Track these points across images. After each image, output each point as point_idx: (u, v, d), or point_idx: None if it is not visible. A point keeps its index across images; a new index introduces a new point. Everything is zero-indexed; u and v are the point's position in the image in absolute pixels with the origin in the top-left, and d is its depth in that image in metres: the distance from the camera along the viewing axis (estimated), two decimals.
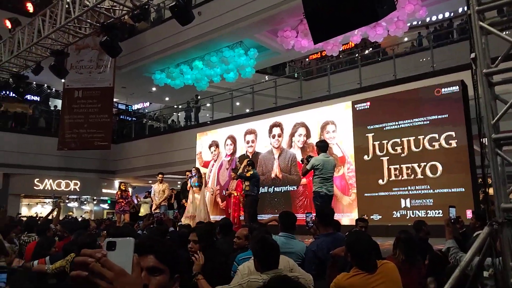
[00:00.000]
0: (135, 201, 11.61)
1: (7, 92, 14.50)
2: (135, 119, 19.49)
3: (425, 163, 8.15)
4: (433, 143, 8.15)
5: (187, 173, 9.09)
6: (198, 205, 8.57)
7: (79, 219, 12.51)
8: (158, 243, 1.36)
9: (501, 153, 2.55)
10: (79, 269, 0.84)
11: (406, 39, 16.95)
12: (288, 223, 4.02)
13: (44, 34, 8.16)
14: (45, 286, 3.82)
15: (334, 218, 4.08)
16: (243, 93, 14.46)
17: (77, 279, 0.83)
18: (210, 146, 12.54)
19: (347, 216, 8.82)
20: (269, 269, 2.57)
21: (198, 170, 8.96)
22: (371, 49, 17.88)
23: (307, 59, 21.74)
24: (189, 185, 9.01)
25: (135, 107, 24.42)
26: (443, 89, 8.21)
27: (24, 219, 10.86)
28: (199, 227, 4.38)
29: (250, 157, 10.97)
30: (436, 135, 8.11)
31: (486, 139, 2.69)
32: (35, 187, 16.35)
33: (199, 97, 16.45)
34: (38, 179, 16.32)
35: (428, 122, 8.30)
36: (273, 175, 10.67)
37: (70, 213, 17.15)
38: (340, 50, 14.06)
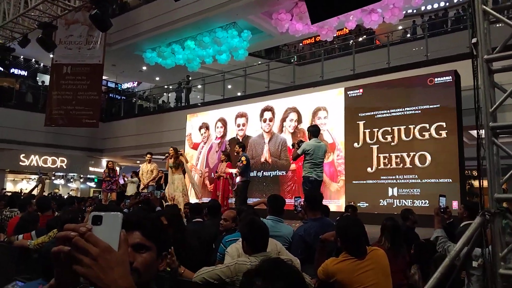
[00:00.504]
0: (121, 181, 11.48)
1: None
2: (124, 98, 19.19)
3: (414, 153, 8.16)
4: (424, 133, 8.15)
5: (166, 154, 8.92)
6: (177, 186, 8.43)
7: (65, 197, 12.37)
8: (145, 219, 1.29)
9: (497, 142, 2.51)
10: (61, 244, 0.76)
11: (400, 27, 16.87)
12: (276, 207, 3.99)
13: (31, 5, 7.89)
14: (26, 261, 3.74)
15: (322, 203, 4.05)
16: (235, 76, 14.29)
17: (59, 254, 0.76)
18: (200, 128, 12.43)
19: (334, 203, 8.84)
20: (257, 252, 2.53)
21: (174, 150, 8.70)
22: (365, 36, 17.78)
23: (300, 44, 21.59)
24: (166, 166, 8.87)
25: (125, 86, 24.07)
26: (436, 79, 8.18)
27: (9, 194, 10.69)
28: (167, 210, 4.32)
29: (241, 140, 10.90)
30: (427, 125, 8.11)
31: (482, 130, 2.65)
32: (20, 163, 16.09)
33: (190, 78, 16.23)
34: (24, 155, 16.05)
35: (419, 111, 8.28)
36: (262, 160, 10.64)
37: (56, 190, 16.97)
38: (334, 36, 13.96)
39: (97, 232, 0.76)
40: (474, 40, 2.68)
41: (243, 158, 7.82)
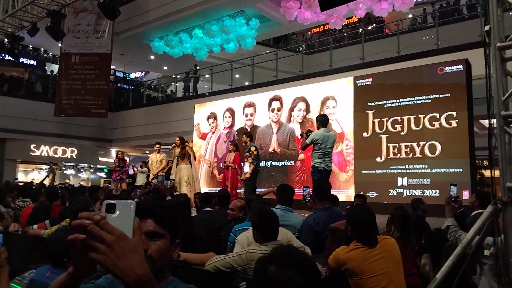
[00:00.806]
0: (131, 172, 11.56)
1: (2, 55, 14.20)
2: (132, 87, 19.26)
3: (424, 142, 8.11)
4: (434, 122, 8.08)
5: (173, 144, 8.94)
6: (182, 177, 8.44)
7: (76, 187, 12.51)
8: (158, 207, 1.30)
9: (510, 131, 2.49)
10: (76, 233, 0.77)
11: (410, 15, 16.63)
12: (285, 196, 4.01)
13: None
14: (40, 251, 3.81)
15: (332, 193, 4.06)
16: (243, 65, 14.24)
17: (75, 242, 0.77)
18: (208, 118, 12.44)
19: (343, 193, 8.84)
20: (268, 241, 2.56)
21: (181, 140, 8.71)
22: (374, 24, 17.57)
23: (309, 32, 21.39)
24: (173, 155, 8.90)
25: (133, 75, 24.12)
26: (446, 68, 8.09)
27: (21, 184, 10.85)
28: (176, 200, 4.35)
29: (249, 130, 10.90)
30: (437, 115, 8.04)
31: (494, 119, 2.62)
32: (31, 153, 16.26)
33: (198, 67, 16.21)
34: (34, 145, 16.22)
35: (429, 100, 8.21)
36: (271, 149, 10.64)
37: (67, 181, 17.14)
38: (343, 24, 13.81)
39: (111, 220, 0.77)
40: (487, 28, 2.64)
41: (252, 148, 7.82)
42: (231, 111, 11.88)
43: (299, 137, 7.56)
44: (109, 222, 0.77)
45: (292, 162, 10.15)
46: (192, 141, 9.79)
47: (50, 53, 21.10)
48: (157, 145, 10.22)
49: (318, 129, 6.35)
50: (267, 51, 16.55)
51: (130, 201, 0.83)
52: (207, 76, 15.95)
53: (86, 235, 0.76)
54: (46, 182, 10.79)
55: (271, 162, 10.55)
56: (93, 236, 0.75)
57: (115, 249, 0.75)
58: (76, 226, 0.77)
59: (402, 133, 8.42)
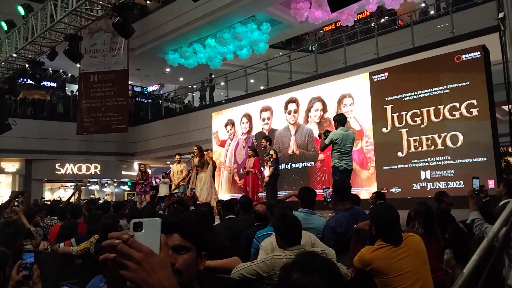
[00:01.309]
0: (154, 183, 11.75)
1: (25, 80, 14.69)
2: (150, 101, 19.57)
3: (445, 133, 7.97)
4: (454, 112, 7.94)
5: (191, 154, 9.06)
6: (201, 186, 8.52)
7: (100, 201, 12.79)
8: (183, 221, 1.34)
9: None
10: (107, 252, 0.82)
11: (423, 4, 16.35)
12: (307, 199, 4.01)
13: (56, 19, 8.13)
14: (71, 267, 3.92)
15: (353, 192, 4.04)
16: (257, 70, 14.30)
17: (106, 262, 0.82)
18: (226, 125, 12.54)
19: (365, 190, 8.76)
20: (292, 246, 2.57)
21: (199, 149, 8.82)
22: (387, 17, 17.36)
23: (321, 31, 21.29)
24: (192, 165, 9.01)
25: (150, 89, 24.51)
26: (463, 56, 7.93)
27: (48, 203, 11.15)
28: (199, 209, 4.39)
29: (267, 134, 10.93)
30: (457, 104, 7.90)
31: None
32: (56, 172, 16.73)
33: (213, 76, 16.37)
34: (59, 164, 16.68)
35: (448, 90, 8.07)
36: (290, 152, 10.64)
37: (92, 196, 17.55)
38: (355, 20, 13.71)
39: (139, 237, 0.81)
40: (501, 15, 2.61)
41: (271, 152, 7.85)
42: (248, 117, 11.94)
43: (318, 137, 7.55)
44: (137, 240, 0.81)
45: (312, 163, 10.12)
46: (211, 150, 9.87)
47: (69, 74, 21.67)
48: (177, 156, 10.38)
49: (336, 129, 6.33)
50: (280, 54, 16.58)
51: (156, 218, 0.87)
52: (222, 83, 16.08)
53: (116, 253, 0.80)
54: (73, 199, 11.06)
55: (291, 165, 10.55)
56: (123, 255, 0.79)
57: (144, 265, 0.79)
58: (107, 246, 0.81)
59: (422, 126, 8.30)
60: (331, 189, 3.89)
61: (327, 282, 1.11)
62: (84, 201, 9.67)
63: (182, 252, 1.27)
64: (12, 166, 16.27)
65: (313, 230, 3.55)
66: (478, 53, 7.76)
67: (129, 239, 0.80)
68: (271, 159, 7.79)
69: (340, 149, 6.06)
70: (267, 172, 7.88)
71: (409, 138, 8.43)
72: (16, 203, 7.89)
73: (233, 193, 11.40)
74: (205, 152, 8.96)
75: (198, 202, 6.99)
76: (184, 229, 1.31)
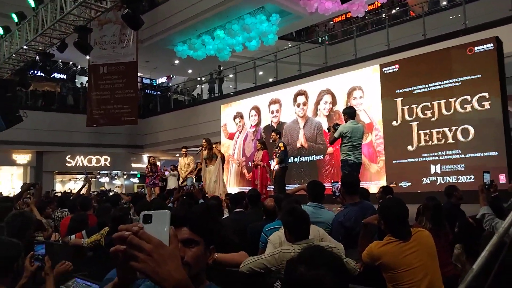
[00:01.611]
0: (166, 173, 11.84)
1: (35, 72, 14.82)
2: (159, 93, 19.62)
3: (456, 127, 7.89)
4: (465, 106, 7.86)
5: (200, 147, 9.09)
6: (210, 178, 8.54)
7: (110, 193, 12.93)
8: (192, 215, 1.36)
9: None
10: (117, 244, 0.84)
11: None
12: (316, 193, 4.02)
13: (66, 10, 8.18)
14: (82, 259, 3.98)
15: (362, 186, 4.03)
16: (266, 62, 14.26)
17: (117, 254, 0.84)
18: (234, 118, 12.55)
19: (375, 184, 8.72)
20: (300, 240, 2.58)
21: (207, 141, 8.82)
22: (398, 8, 17.15)
23: (331, 22, 21.11)
24: (201, 158, 9.03)
25: (159, 81, 24.56)
26: (476, 48, 7.82)
27: (59, 195, 11.29)
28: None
29: (275, 127, 10.92)
30: (469, 97, 7.81)
31: None
32: (67, 164, 16.92)
33: (221, 68, 16.35)
34: (69, 156, 16.86)
35: (460, 83, 7.97)
36: (298, 145, 10.63)
37: (102, 188, 17.74)
38: (366, 10, 13.56)
39: (149, 229, 0.83)
40: None
41: (280, 145, 7.87)
42: (256, 109, 11.93)
43: (327, 130, 7.52)
44: (147, 232, 0.83)
45: (321, 156, 10.10)
46: (219, 143, 9.89)
47: (79, 66, 21.81)
48: (183, 149, 10.43)
49: (346, 122, 6.30)
50: (290, 45, 16.49)
51: (165, 210, 0.89)
52: (231, 76, 16.07)
53: (126, 245, 0.82)
54: (83, 191, 11.20)
55: (299, 158, 10.54)
56: (133, 246, 0.81)
57: (154, 256, 0.80)
58: (117, 238, 0.84)
59: (433, 119, 8.23)
60: (339, 183, 3.89)
61: (333, 276, 1.13)
62: (94, 193, 9.78)
63: (191, 245, 1.29)
64: (23, 158, 16.49)
65: (322, 224, 3.55)
66: (491, 44, 7.64)
67: (139, 231, 0.82)
68: (279, 151, 7.81)
69: (350, 142, 6.03)
70: (273, 163, 7.92)
71: (419, 132, 8.37)
72: (28, 195, 8.01)
73: (241, 186, 11.44)
74: (213, 145, 8.97)
75: (206, 195, 7.04)
76: (193, 222, 1.33)
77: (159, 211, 0.88)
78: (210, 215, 3.55)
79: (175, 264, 0.83)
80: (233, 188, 11.22)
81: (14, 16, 9.83)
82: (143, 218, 0.86)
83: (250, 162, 10.33)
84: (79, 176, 18.11)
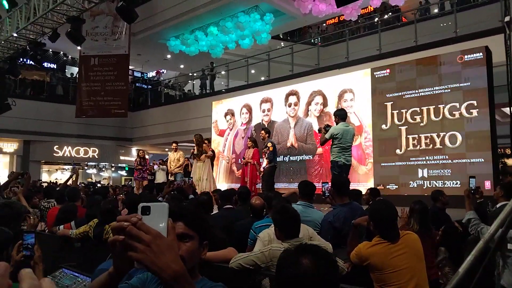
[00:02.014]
0: (156, 167, 11.76)
1: (25, 60, 14.58)
2: (150, 87, 19.48)
3: (444, 133, 8.01)
4: (454, 112, 7.97)
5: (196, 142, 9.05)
6: (201, 175, 8.53)
7: (98, 185, 12.81)
8: (187, 210, 1.38)
9: None
10: (115, 234, 0.84)
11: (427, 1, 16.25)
12: (306, 192, 4.05)
13: (59, 0, 8.08)
14: (70, 249, 3.95)
15: (355, 188, 4.07)
16: (258, 60, 14.26)
17: (115, 244, 0.84)
18: (225, 115, 12.53)
19: (362, 186, 8.78)
20: (290, 238, 2.60)
21: (198, 137, 8.79)
22: (390, 13, 17.28)
23: (324, 24, 21.17)
24: (192, 153, 9.01)
25: (150, 74, 24.37)
26: (466, 56, 7.95)
27: (45, 185, 11.14)
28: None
29: (266, 125, 10.93)
30: (457, 104, 7.92)
31: None
32: (54, 154, 16.71)
33: (214, 64, 16.30)
34: (57, 146, 16.65)
35: (449, 90, 8.09)
36: (288, 144, 10.66)
37: (89, 180, 17.56)
38: (359, 14, 13.64)
39: (147, 221, 0.84)
40: (507, 19, 2.62)
41: (269, 144, 7.89)
42: (248, 107, 11.93)
43: (318, 132, 7.56)
44: (145, 223, 0.83)
45: (310, 157, 10.15)
46: (207, 141, 9.79)
47: (70, 56, 21.50)
48: (173, 144, 10.39)
49: (337, 124, 6.35)
50: (282, 45, 16.51)
51: (164, 203, 0.90)
52: (223, 73, 16.02)
53: (125, 236, 0.82)
54: (70, 182, 11.08)
55: (289, 157, 10.57)
56: (132, 236, 0.81)
57: (152, 247, 0.81)
58: (116, 228, 0.84)
59: (421, 124, 8.33)
60: (329, 184, 3.92)
61: (335, 268, 1.16)
62: (82, 185, 9.67)
63: (186, 240, 1.31)
64: (10, 146, 16.23)
65: (310, 223, 3.58)
66: (481, 54, 7.77)
67: (137, 222, 0.82)
68: (267, 152, 7.83)
69: (340, 144, 6.08)
70: (264, 163, 7.94)
71: (408, 136, 8.47)
72: (16, 184, 7.89)
73: (230, 183, 11.44)
74: (205, 141, 8.94)
75: (196, 190, 7.02)
76: (188, 218, 1.35)
77: (157, 203, 0.89)
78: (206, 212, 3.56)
79: (173, 255, 0.84)
80: (222, 184, 11.22)
81: (5, 2, 9.67)
82: (141, 210, 0.86)
83: (240, 160, 10.33)
84: (66, 167, 17.90)
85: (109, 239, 0.86)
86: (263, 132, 8.39)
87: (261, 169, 8.05)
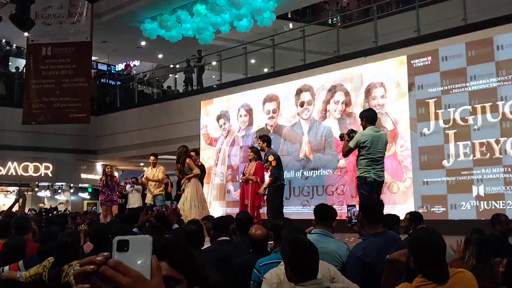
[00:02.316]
0: (127, 188, 11.78)
1: None
2: (120, 83, 19.58)
3: (505, 138, 8.02)
4: None
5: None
6: (186, 197, 8.38)
7: (54, 212, 12.82)
8: (173, 247, 1.37)
9: None
10: (79, 283, 0.84)
11: None
12: (323, 216, 4.07)
13: None
14: None
15: (390, 212, 4.07)
16: (260, 47, 14.32)
17: None
18: (218, 118, 12.57)
19: (399, 208, 8.77)
20: (306, 280, 2.59)
21: (180, 150, 8.54)
22: None
23: (344, 0, 21.32)
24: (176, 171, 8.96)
25: (120, 67, 24.53)
26: None
27: None
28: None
29: (271, 131, 10.95)
30: None
31: None
32: None
33: (202, 53, 16.37)
34: None
35: (510, 82, 8.11)
36: (301, 155, 10.66)
37: (41, 205, 17.57)
38: None
39: (124, 259, 0.84)
40: None
41: (271, 159, 7.88)
42: (247, 108, 11.96)
43: (339, 139, 7.57)
44: (123, 263, 0.83)
45: (330, 171, 10.15)
46: (195, 152, 9.66)
47: (14, 45, 21.66)
48: (151, 157, 10.17)
49: (364, 128, 6.36)
50: (291, 26, 16.61)
51: (146, 236, 0.90)
52: (214, 63, 16.12)
53: (98, 279, 0.81)
54: (16, 208, 11.07)
55: (301, 172, 10.56)
56: (106, 279, 0.81)
57: None
58: (79, 274, 0.84)
59: (475, 127, 8.34)
60: (357, 207, 3.92)
61: None
62: (33, 212, 9.67)
63: (171, 285, 1.30)
64: None
65: (327, 255, 3.57)
66: None
67: (104, 261, 0.82)
68: (270, 168, 7.84)
69: (369, 154, 6.09)
70: (266, 182, 7.95)
71: (457, 143, 8.47)
72: None
73: (226, 207, 11.43)
74: (191, 154, 8.82)
75: (181, 218, 7.00)
76: (174, 256, 1.34)
77: (138, 237, 0.89)
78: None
79: None
80: (215, 209, 11.19)
81: None
82: (117, 245, 0.87)
83: (238, 176, 10.33)
84: (10, 189, 17.91)
85: None
86: (260, 141, 8.40)
87: (261, 189, 8.00)
